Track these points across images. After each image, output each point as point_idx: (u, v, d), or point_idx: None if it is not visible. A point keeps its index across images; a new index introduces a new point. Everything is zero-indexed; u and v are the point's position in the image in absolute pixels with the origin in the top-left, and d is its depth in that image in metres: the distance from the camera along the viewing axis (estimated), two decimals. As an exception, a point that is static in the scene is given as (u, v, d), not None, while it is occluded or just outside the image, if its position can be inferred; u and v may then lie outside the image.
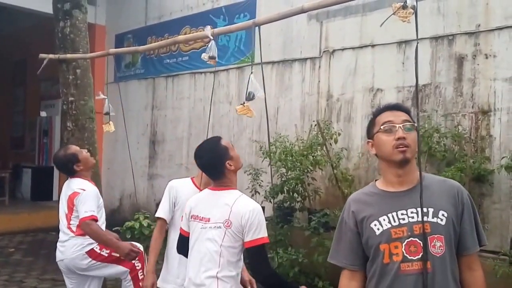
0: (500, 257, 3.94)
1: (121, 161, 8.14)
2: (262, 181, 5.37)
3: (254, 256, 2.33)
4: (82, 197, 3.29)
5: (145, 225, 4.82)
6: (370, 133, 1.94)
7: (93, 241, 3.33)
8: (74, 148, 3.54)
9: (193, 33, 7.35)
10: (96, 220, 3.29)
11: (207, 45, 2.75)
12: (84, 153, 3.55)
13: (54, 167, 9.39)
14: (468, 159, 4.43)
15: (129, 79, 8.55)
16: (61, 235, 3.44)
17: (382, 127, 1.85)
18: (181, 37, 2.83)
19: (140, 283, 3.44)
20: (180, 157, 7.63)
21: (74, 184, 3.42)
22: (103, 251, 3.37)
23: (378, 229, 1.82)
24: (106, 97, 3.69)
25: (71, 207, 3.35)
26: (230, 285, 2.34)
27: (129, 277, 3.48)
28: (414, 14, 1.78)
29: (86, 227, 3.24)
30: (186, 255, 2.52)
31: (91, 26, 8.29)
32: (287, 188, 5.10)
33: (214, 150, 2.46)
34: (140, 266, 3.50)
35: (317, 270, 4.68)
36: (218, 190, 2.46)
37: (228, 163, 2.43)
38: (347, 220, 1.92)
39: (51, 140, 9.70)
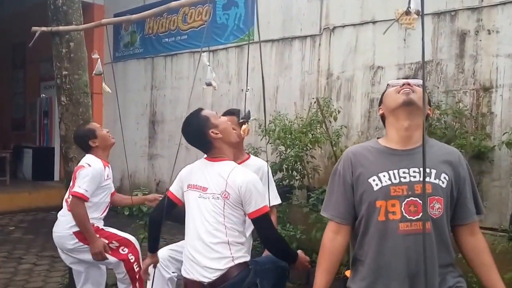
0: (499, 233, 3.91)
1: (121, 142, 8.10)
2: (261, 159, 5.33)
3: (258, 226, 2.32)
4: (83, 172, 3.21)
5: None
6: (381, 101, 1.96)
7: None
8: (93, 125, 3.55)
9: (192, 12, 7.27)
10: (85, 201, 3.19)
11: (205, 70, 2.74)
12: (104, 131, 3.52)
13: (55, 148, 9.50)
14: (469, 136, 4.37)
15: (128, 58, 8.49)
16: (63, 207, 3.42)
17: (390, 83, 1.90)
18: (175, 3, 2.75)
19: (137, 276, 3.30)
20: (180, 137, 7.59)
21: (84, 159, 3.36)
22: None
23: (376, 184, 1.77)
24: (98, 56, 3.57)
25: (74, 180, 3.28)
26: (241, 248, 2.34)
27: (123, 270, 3.31)
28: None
29: (72, 206, 3.15)
30: (155, 228, 2.55)
31: (89, 5, 8.26)
32: (286, 166, 5.07)
33: (195, 121, 2.44)
34: (134, 259, 3.32)
35: (315, 246, 4.62)
36: (212, 161, 2.43)
37: (212, 132, 2.39)
38: (342, 172, 1.88)
39: (52, 121, 9.69)
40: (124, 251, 3.31)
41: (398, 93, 1.81)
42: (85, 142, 3.42)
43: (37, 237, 6.42)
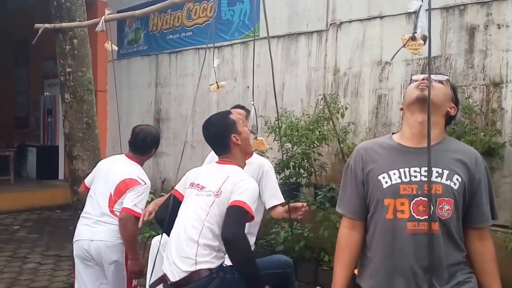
0: (511, 230, 3.85)
1: (126, 140, 8.06)
2: (267, 157, 5.27)
3: (226, 215, 2.21)
4: (140, 189, 3.01)
5: (148, 200, 4.75)
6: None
7: None
8: None
9: (196, 8, 7.21)
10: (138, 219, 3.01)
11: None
12: None
13: (59, 147, 9.45)
14: (479, 132, 4.30)
15: (132, 56, 8.45)
16: (97, 214, 3.04)
17: (413, 77, 1.87)
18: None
19: None
20: (185, 135, 7.55)
21: (134, 169, 3.11)
22: None
23: (386, 182, 1.74)
24: (103, 17, 3.35)
25: (122, 191, 3.01)
26: (209, 252, 2.23)
27: None
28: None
29: (126, 221, 2.91)
30: (164, 220, 2.45)
31: (93, 2, 8.19)
32: (293, 164, 5.01)
33: (221, 122, 2.45)
34: None
35: (323, 244, 4.63)
36: (222, 164, 2.43)
37: (234, 137, 2.40)
38: (353, 167, 1.86)
39: (56, 119, 9.66)
40: None
41: (416, 87, 1.79)
42: (155, 147, 3.26)
43: (42, 236, 6.40)
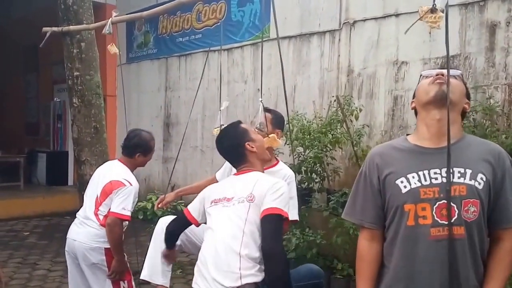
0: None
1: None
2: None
3: (263, 225, 2.15)
4: (126, 191, 3.01)
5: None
6: (414, 94, 1.83)
7: None
8: None
9: (206, 10, 7.11)
10: (128, 221, 3.05)
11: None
12: None
13: (69, 152, 9.40)
14: (500, 135, 4.13)
15: (142, 59, 8.37)
16: (83, 216, 3.13)
17: (423, 73, 1.79)
18: (187, -2, 2.60)
19: None
20: (195, 140, 7.44)
21: (120, 172, 3.11)
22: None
23: (405, 186, 1.65)
24: (110, 19, 3.28)
25: (107, 193, 3.04)
26: (253, 265, 2.12)
27: None
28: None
29: (113, 225, 2.94)
30: (170, 238, 2.53)
31: (101, 6, 8.15)
32: (305, 168, 4.86)
33: (233, 133, 2.44)
34: None
35: (336, 251, 4.48)
36: (241, 174, 2.38)
37: (248, 144, 2.38)
38: (368, 174, 1.76)
39: (65, 125, 9.60)
40: None
41: (431, 83, 1.70)
42: (141, 151, 3.20)
43: (52, 243, 6.35)
